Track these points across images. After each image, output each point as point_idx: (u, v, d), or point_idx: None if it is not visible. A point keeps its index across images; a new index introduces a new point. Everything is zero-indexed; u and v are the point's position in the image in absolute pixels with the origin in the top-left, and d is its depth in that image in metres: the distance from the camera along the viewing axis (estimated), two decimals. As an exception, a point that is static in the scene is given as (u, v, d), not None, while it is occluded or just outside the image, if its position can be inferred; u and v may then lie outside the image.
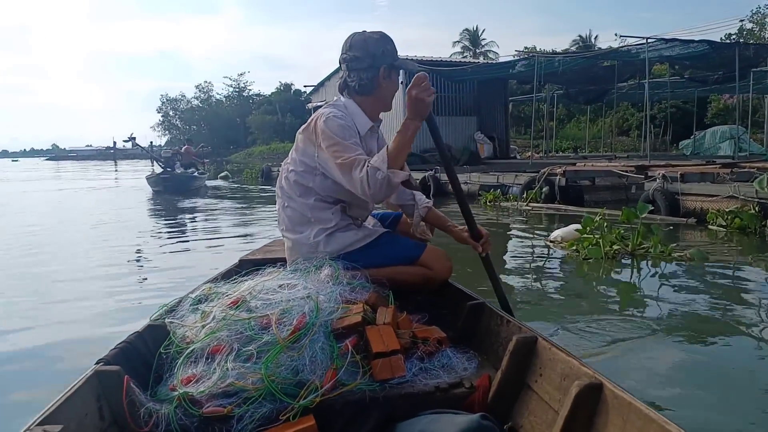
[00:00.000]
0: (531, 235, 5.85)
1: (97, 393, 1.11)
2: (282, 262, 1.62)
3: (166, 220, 8.35)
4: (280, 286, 1.37)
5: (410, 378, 1.27)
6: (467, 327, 1.59)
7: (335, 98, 1.87)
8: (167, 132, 52.49)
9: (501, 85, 15.98)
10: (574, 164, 10.30)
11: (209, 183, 15.13)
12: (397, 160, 1.56)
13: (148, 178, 12.74)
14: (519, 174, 9.06)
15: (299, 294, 1.33)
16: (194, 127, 48.36)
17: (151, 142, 21.28)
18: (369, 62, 1.73)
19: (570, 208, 7.20)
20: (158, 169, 13.00)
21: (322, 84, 18.86)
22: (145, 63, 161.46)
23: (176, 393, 1.14)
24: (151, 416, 1.10)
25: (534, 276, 4.07)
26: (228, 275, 1.70)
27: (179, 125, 50.82)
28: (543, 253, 4.89)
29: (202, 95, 50.31)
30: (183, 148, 16.00)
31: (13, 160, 73.13)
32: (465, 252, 3.93)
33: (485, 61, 20.62)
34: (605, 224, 4.45)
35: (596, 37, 31.34)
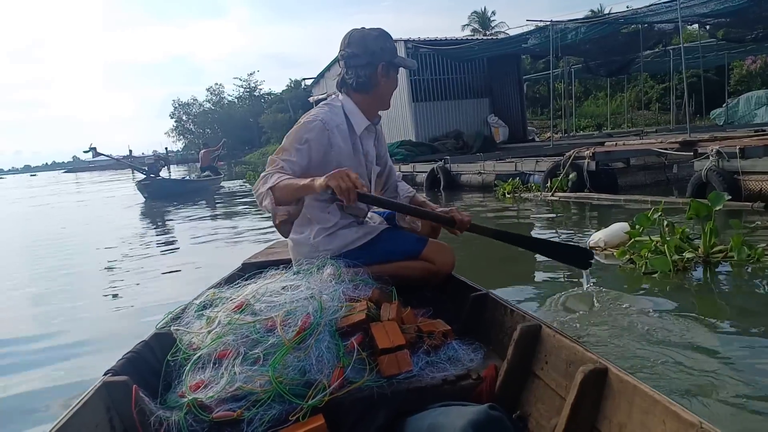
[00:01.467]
0: (562, 237, 4.73)
1: (106, 404, 1.12)
2: (284, 263, 1.62)
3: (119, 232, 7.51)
4: (283, 287, 1.38)
5: (417, 372, 1.27)
6: (471, 318, 1.58)
7: (333, 96, 1.86)
8: (182, 137, 52.89)
9: (513, 62, 14.67)
10: (602, 144, 8.93)
11: (231, 186, 14.99)
12: (282, 192, 1.49)
13: (136, 185, 12.96)
14: (540, 159, 8.04)
15: (303, 295, 1.34)
16: (208, 130, 48.35)
17: (167, 148, 21.54)
18: (367, 59, 1.72)
19: (603, 196, 6.33)
20: (140, 176, 13.15)
21: (322, 75, 18.16)
22: (157, 69, 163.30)
23: (185, 399, 1.15)
24: (162, 424, 1.11)
25: (581, 308, 2.60)
26: (231, 279, 1.71)
27: (193, 129, 51.15)
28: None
29: (214, 98, 50.46)
30: (201, 152, 16.20)
31: (31, 175, 75.00)
32: (468, 244, 3.67)
33: (492, 37, 19.49)
34: (665, 222, 3.40)
35: (610, 10, 30.36)
